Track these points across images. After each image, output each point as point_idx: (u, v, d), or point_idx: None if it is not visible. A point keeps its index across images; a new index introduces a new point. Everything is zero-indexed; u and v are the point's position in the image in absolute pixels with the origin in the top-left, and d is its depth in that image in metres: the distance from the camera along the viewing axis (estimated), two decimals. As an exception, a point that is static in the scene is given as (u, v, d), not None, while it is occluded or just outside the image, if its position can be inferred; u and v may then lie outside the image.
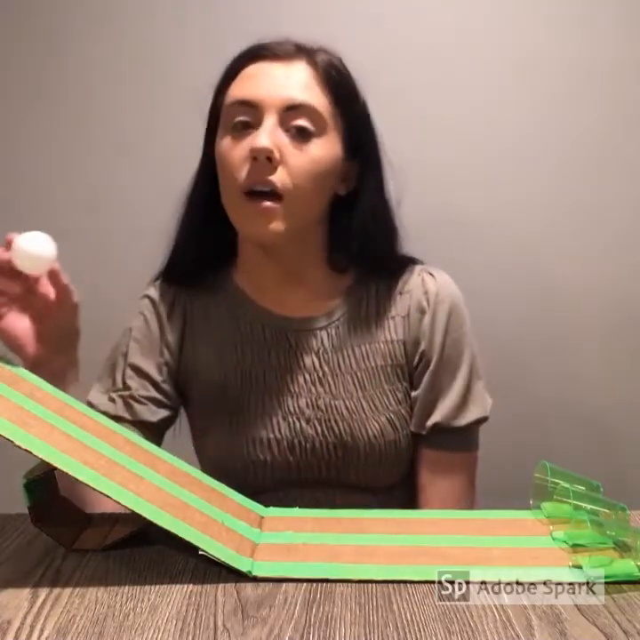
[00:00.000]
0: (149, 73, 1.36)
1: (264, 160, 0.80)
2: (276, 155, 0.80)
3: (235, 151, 0.83)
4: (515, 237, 1.38)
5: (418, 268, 0.93)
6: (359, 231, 0.89)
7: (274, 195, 0.81)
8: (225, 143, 0.84)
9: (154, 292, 0.96)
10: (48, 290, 0.76)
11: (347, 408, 0.88)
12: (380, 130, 0.91)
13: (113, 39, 1.36)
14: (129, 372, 0.92)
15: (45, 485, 0.67)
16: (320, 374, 0.89)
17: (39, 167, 1.39)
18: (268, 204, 0.81)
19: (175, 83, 1.34)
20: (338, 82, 0.86)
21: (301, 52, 0.86)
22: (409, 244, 0.94)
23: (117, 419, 0.85)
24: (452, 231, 1.35)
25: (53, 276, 0.75)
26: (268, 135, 0.80)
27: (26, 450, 0.59)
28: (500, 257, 1.38)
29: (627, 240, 1.38)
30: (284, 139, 0.82)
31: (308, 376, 0.90)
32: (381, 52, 1.31)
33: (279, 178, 0.81)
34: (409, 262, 0.94)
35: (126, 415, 0.89)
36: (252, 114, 0.83)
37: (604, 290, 1.38)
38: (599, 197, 1.37)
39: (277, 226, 0.82)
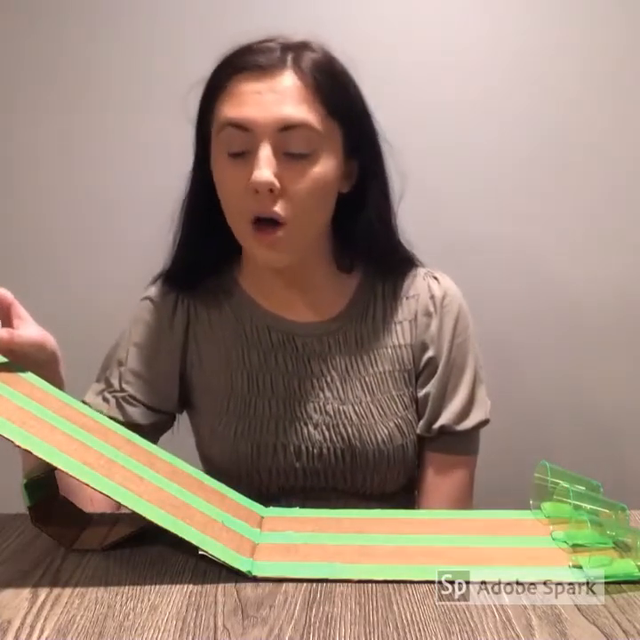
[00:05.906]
0: (150, 71, 1.36)
1: (266, 192, 0.78)
2: (277, 185, 0.78)
3: (234, 180, 0.80)
4: (514, 238, 1.39)
5: (422, 271, 0.93)
6: (365, 228, 0.88)
7: (277, 222, 0.80)
8: (222, 168, 0.82)
9: (155, 294, 0.94)
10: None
11: (355, 413, 0.87)
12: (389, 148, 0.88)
13: (114, 39, 1.36)
14: (127, 376, 0.91)
15: (45, 485, 0.67)
16: (328, 379, 0.88)
17: (39, 167, 1.39)
18: (272, 235, 0.80)
19: (176, 80, 1.33)
20: (329, 87, 0.81)
21: (286, 55, 0.81)
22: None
23: (110, 419, 0.84)
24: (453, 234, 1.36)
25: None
26: (267, 166, 0.78)
27: (26, 450, 0.59)
28: (499, 257, 1.39)
29: (625, 243, 1.38)
30: (281, 165, 0.79)
31: (315, 381, 0.88)
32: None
33: (282, 207, 0.79)
34: (411, 262, 0.93)
35: (118, 416, 0.88)
36: (245, 138, 0.79)
37: (603, 290, 1.39)
38: (600, 203, 1.38)
39: (282, 256, 0.83)
